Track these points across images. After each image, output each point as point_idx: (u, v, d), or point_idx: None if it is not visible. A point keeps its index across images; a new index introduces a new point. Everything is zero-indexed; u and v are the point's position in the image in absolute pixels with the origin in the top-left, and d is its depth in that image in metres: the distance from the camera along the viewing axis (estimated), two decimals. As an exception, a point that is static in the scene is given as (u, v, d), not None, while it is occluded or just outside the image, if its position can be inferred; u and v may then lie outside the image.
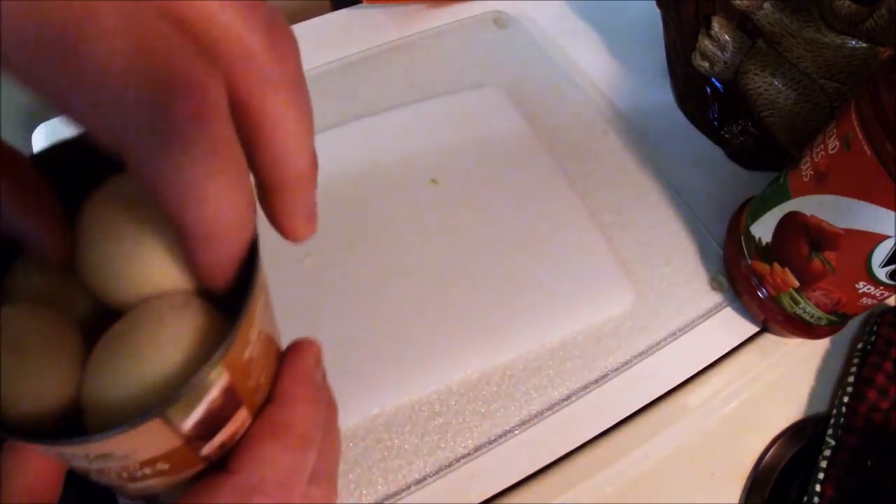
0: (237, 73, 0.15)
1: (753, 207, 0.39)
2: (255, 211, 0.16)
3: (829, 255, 0.33)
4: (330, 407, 0.23)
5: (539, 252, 0.41)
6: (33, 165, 0.17)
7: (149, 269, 0.16)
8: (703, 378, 0.39)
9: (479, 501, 0.34)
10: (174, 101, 0.13)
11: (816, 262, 0.33)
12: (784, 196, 0.35)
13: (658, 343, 0.39)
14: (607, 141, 0.47)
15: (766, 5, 0.40)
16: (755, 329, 0.40)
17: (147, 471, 0.16)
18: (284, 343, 0.21)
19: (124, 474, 0.16)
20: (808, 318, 0.37)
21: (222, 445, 0.18)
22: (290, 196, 0.17)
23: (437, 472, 0.34)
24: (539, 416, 0.36)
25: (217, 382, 0.16)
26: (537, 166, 0.44)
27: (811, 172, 0.33)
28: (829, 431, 0.36)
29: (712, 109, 0.47)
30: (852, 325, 0.40)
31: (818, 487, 0.35)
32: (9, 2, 0.12)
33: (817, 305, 0.36)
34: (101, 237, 0.16)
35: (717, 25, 0.42)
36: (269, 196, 0.17)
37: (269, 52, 0.15)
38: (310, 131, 0.17)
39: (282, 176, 0.17)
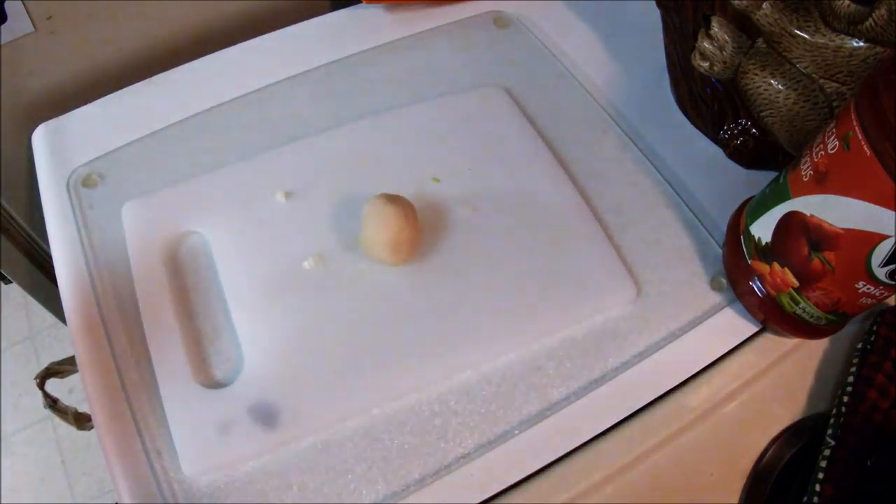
0: None
1: (753, 207, 0.39)
2: None
3: (829, 255, 0.33)
4: None
5: (539, 251, 0.41)
6: None
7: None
8: (703, 378, 0.39)
9: (478, 501, 0.34)
10: None
11: (816, 262, 0.33)
12: (784, 196, 0.35)
13: (658, 343, 0.39)
14: (607, 141, 0.47)
15: (766, 5, 0.40)
16: (755, 329, 0.40)
17: None
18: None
19: None
20: (807, 317, 0.37)
21: None
22: None
23: (436, 472, 0.35)
24: (539, 416, 0.36)
25: None
26: (537, 166, 0.44)
27: (811, 172, 0.33)
28: (829, 431, 0.36)
29: (712, 109, 0.47)
30: (852, 325, 0.40)
31: (818, 487, 0.35)
32: None
33: (817, 305, 0.36)
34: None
35: (716, 25, 0.42)
36: None
37: None
38: None
39: None
